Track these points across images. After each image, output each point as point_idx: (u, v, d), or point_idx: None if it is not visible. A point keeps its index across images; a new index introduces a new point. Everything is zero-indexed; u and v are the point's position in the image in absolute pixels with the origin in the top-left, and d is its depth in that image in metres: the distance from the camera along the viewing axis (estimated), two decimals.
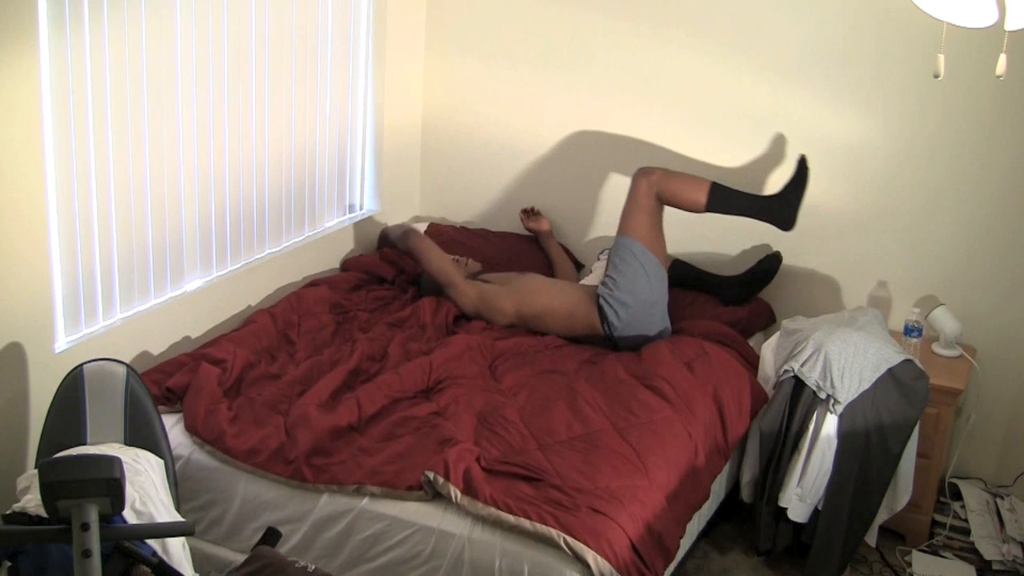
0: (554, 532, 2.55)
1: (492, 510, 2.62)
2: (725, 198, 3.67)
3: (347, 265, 4.15)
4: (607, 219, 4.24)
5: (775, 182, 3.94)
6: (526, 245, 4.30)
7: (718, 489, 3.32)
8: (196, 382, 3.11)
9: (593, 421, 3.08)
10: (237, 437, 2.93)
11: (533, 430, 3.03)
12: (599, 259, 4.09)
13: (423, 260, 3.94)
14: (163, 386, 3.11)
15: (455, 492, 2.67)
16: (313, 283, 3.94)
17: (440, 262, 3.90)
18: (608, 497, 2.70)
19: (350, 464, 2.83)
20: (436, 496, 2.72)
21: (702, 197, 3.65)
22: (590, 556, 2.51)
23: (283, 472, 2.84)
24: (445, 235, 4.38)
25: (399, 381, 3.24)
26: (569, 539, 2.53)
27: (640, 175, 3.70)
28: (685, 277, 3.95)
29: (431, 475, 2.71)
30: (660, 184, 3.66)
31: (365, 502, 2.74)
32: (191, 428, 2.99)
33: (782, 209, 3.65)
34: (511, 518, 2.60)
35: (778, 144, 3.93)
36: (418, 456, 2.84)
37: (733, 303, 3.88)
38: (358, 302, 3.90)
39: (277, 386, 3.22)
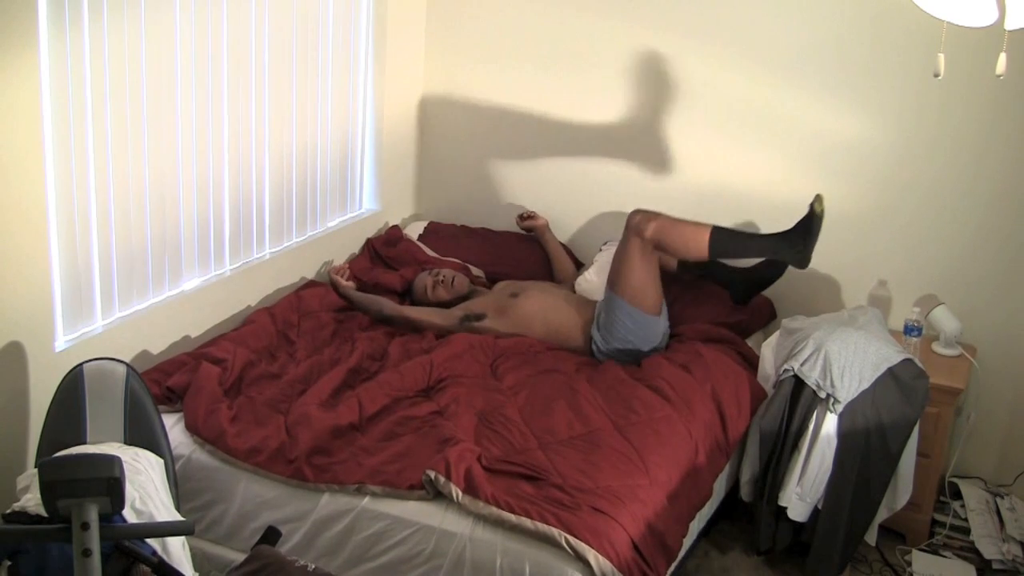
0: (555, 531, 2.55)
1: (493, 509, 2.62)
2: (728, 244, 3.48)
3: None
4: (607, 216, 4.24)
5: (775, 183, 3.94)
6: (525, 243, 4.30)
7: (718, 488, 3.32)
8: (196, 381, 3.11)
9: (593, 420, 3.08)
10: (238, 437, 2.93)
11: (534, 429, 3.03)
12: (601, 250, 4.08)
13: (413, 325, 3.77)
14: (163, 385, 3.11)
15: (456, 491, 2.67)
16: (311, 283, 3.94)
17: (426, 321, 3.73)
18: (609, 496, 2.70)
19: (351, 463, 2.83)
20: (437, 495, 2.72)
21: (703, 248, 3.45)
22: (591, 555, 2.51)
23: (284, 472, 2.84)
24: (445, 233, 4.38)
25: (400, 380, 3.24)
26: (570, 538, 2.53)
27: (632, 232, 3.48)
28: (694, 268, 3.86)
29: (432, 474, 2.71)
30: (655, 239, 3.46)
31: (366, 501, 2.74)
32: (191, 427, 2.99)
33: (792, 249, 3.45)
34: (512, 517, 2.60)
35: (778, 144, 3.93)
36: (419, 455, 2.84)
37: (739, 301, 3.86)
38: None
39: (277, 385, 3.22)
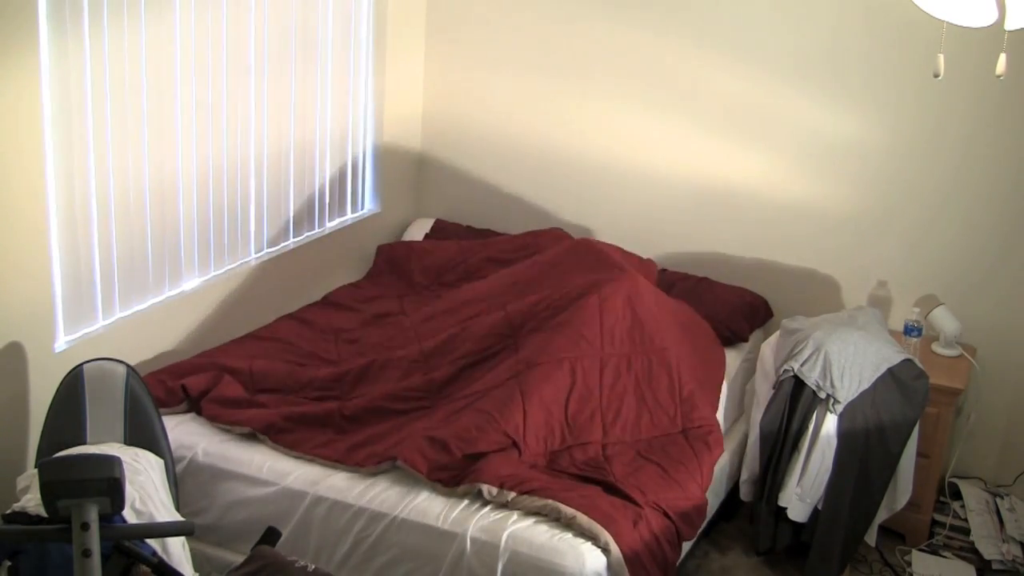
0: (579, 515, 2.62)
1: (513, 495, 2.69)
2: None
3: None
4: (607, 218, 4.24)
5: (775, 183, 3.94)
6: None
7: (719, 488, 3.32)
8: (220, 384, 3.12)
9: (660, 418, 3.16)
10: (262, 419, 2.99)
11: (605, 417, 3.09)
12: None
13: None
14: (168, 385, 3.09)
15: (489, 490, 2.72)
16: (326, 300, 3.92)
17: None
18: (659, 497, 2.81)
19: (398, 441, 2.89)
20: (441, 496, 2.74)
21: None
22: (604, 536, 2.58)
23: (327, 454, 2.89)
24: (452, 232, 4.36)
25: (471, 333, 3.26)
26: (583, 517, 2.61)
27: None
28: None
29: (482, 488, 2.73)
30: None
31: (368, 502, 2.75)
32: (213, 417, 3.01)
33: None
34: (529, 499, 2.67)
35: (778, 145, 3.93)
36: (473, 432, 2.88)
37: None
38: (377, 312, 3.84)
39: (299, 378, 3.24)
